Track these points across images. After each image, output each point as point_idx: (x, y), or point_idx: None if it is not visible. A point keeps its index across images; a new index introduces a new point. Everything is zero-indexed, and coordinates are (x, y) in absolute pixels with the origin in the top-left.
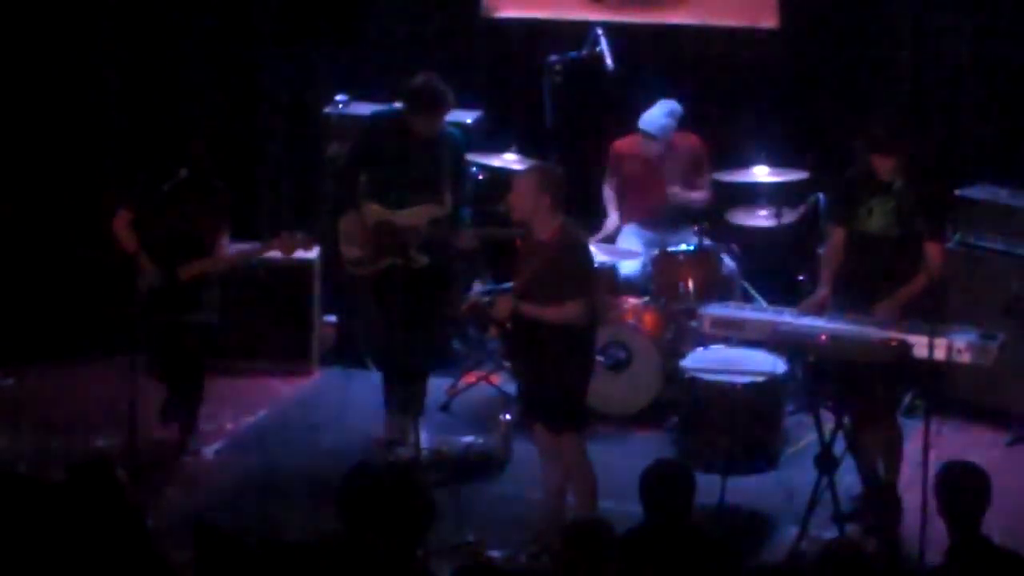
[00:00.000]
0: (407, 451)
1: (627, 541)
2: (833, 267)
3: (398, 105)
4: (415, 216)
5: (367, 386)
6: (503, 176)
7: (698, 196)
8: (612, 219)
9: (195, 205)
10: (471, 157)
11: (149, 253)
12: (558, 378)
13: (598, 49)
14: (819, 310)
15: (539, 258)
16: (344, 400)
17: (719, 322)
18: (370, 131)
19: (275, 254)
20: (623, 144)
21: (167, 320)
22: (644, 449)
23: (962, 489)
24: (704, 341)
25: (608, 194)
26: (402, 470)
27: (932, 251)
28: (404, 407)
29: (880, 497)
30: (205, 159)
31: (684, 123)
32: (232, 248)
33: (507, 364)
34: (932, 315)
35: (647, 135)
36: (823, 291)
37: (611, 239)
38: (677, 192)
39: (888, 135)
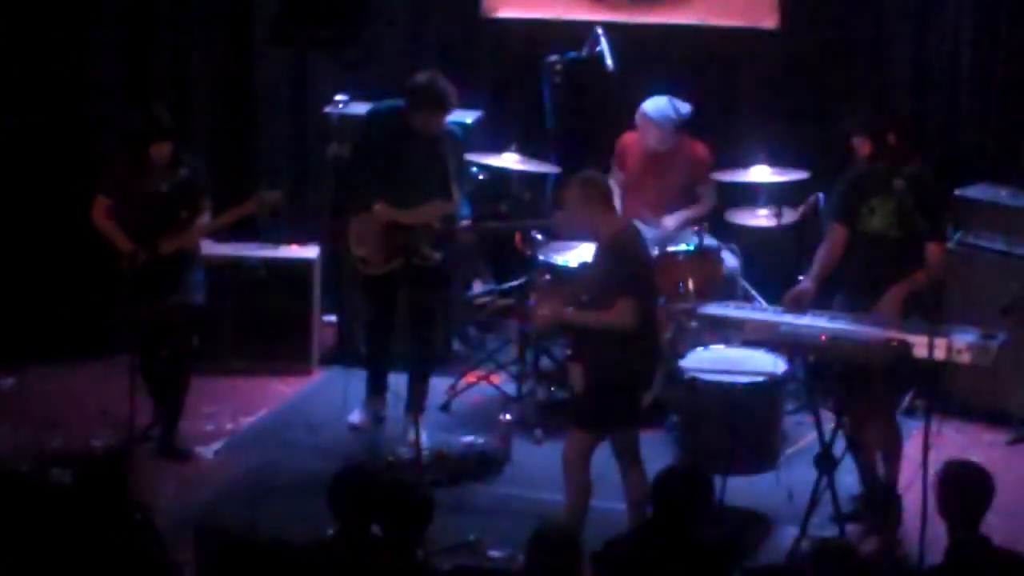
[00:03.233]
0: (407, 451)
1: (629, 541)
2: (824, 263)
3: (396, 102)
4: (426, 214)
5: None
6: (503, 175)
7: (695, 212)
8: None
9: (173, 186)
10: (471, 157)
11: (130, 237)
12: (596, 373)
13: (598, 49)
14: (799, 301)
15: (595, 258)
16: (344, 400)
17: (719, 322)
18: (368, 127)
19: (275, 254)
20: (630, 139)
21: (150, 304)
22: (644, 449)
23: (962, 488)
24: (704, 341)
25: (614, 187)
26: (398, 470)
27: (932, 251)
28: (379, 391)
29: (880, 497)
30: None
31: (692, 129)
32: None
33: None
34: (932, 315)
35: (645, 119)
36: (807, 283)
37: None
38: (670, 225)
39: (864, 117)
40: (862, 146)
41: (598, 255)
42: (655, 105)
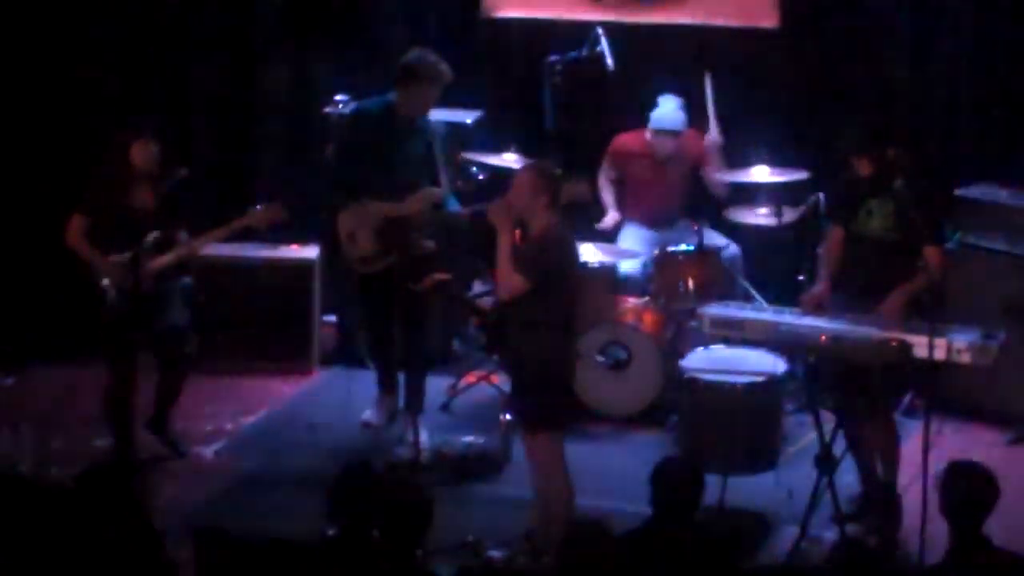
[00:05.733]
0: (407, 451)
1: (632, 538)
2: (831, 263)
3: (379, 98)
4: (416, 203)
5: (367, 386)
6: (503, 175)
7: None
8: (612, 215)
9: (157, 200)
10: (471, 157)
11: (110, 257)
12: (532, 372)
13: (598, 49)
14: (818, 303)
15: (524, 245)
16: (344, 400)
17: (719, 322)
18: (354, 124)
19: (276, 254)
20: (629, 140)
21: (135, 334)
22: (644, 449)
23: (966, 489)
24: (704, 341)
25: (604, 185)
26: (398, 470)
27: (931, 254)
28: (392, 390)
29: (880, 497)
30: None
31: (688, 121)
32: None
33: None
34: (932, 315)
35: (665, 132)
36: (822, 285)
37: (612, 235)
38: (717, 180)
39: (861, 136)
40: (862, 166)
41: (529, 244)
42: (667, 116)
